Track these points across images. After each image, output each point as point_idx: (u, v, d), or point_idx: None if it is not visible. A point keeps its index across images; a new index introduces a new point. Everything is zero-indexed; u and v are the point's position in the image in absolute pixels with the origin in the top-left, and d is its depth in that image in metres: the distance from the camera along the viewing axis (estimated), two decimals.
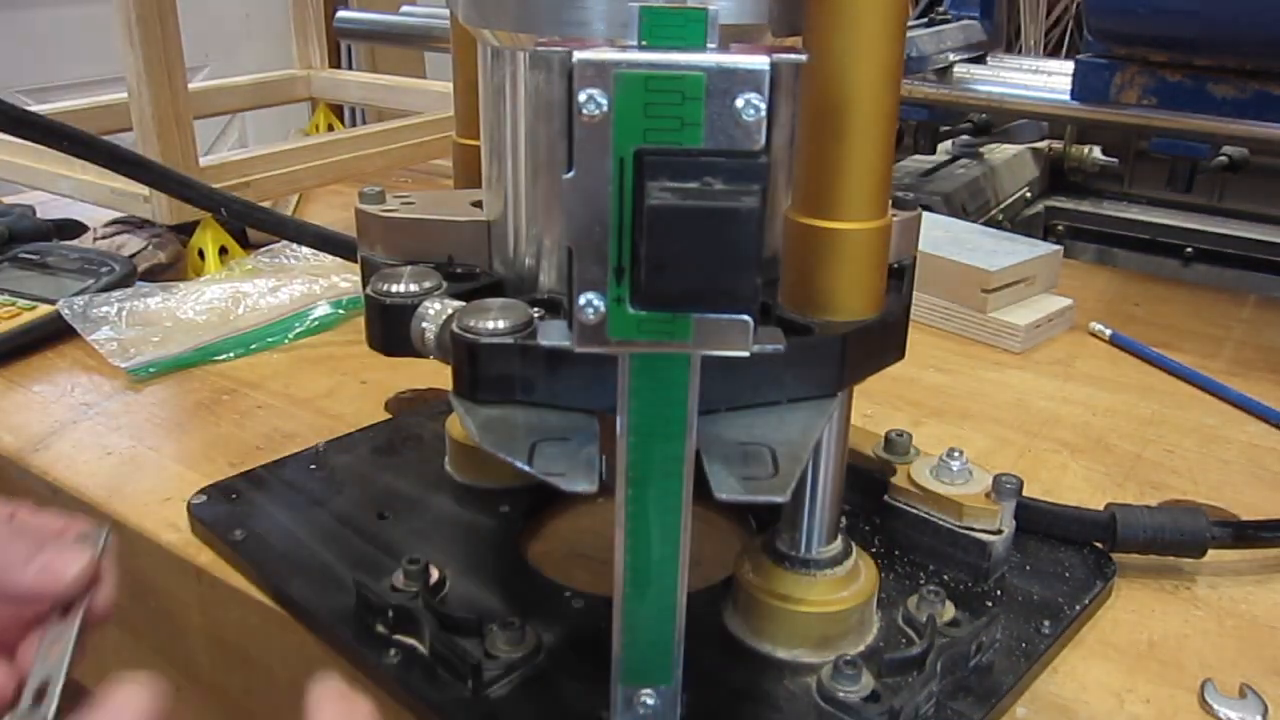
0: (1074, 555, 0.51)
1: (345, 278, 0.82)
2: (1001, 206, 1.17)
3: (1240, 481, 0.60)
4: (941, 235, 0.83)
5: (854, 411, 0.44)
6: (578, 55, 0.28)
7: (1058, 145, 1.25)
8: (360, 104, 1.48)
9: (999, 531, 0.48)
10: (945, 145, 1.22)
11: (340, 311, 0.79)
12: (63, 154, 0.73)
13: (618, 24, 0.34)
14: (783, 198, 0.40)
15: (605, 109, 0.28)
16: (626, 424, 0.33)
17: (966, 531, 0.48)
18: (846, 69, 0.35)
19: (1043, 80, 1.01)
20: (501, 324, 0.35)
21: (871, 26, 0.34)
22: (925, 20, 1.09)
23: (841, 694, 0.40)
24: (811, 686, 0.41)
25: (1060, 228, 1.23)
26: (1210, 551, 0.51)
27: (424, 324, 0.37)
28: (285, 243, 0.88)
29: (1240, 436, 0.66)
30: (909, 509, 0.50)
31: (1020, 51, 1.46)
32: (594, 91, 0.28)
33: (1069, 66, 0.94)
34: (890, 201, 0.39)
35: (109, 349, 0.71)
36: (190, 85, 0.85)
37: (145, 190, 0.82)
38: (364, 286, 0.40)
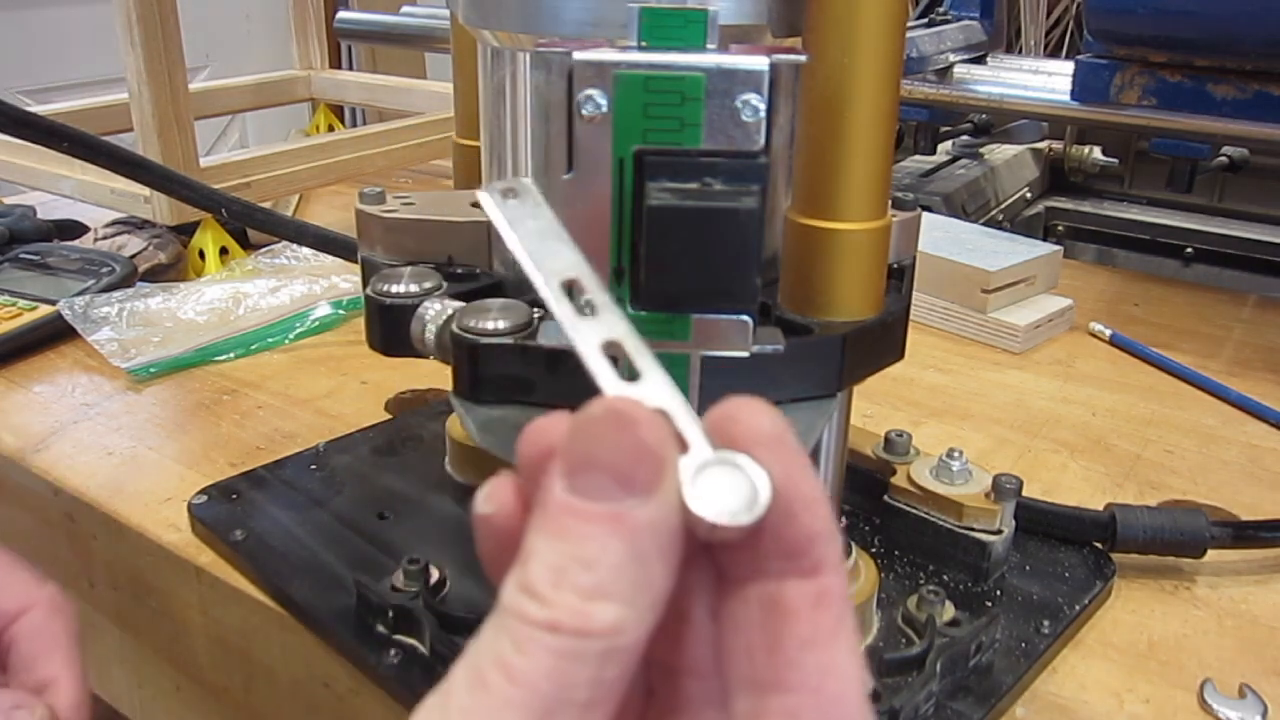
0: (1074, 555, 0.51)
1: (346, 278, 0.82)
2: (1002, 207, 1.17)
3: (1240, 481, 0.60)
4: (941, 235, 0.83)
5: (854, 411, 0.44)
6: (577, 55, 0.28)
7: (1058, 146, 1.25)
8: (361, 104, 1.48)
9: (999, 531, 0.48)
10: (945, 146, 1.22)
11: (341, 312, 0.79)
12: (63, 155, 0.73)
13: (617, 24, 0.34)
14: (783, 198, 0.40)
15: (605, 109, 0.28)
16: None
17: (966, 532, 0.48)
18: (846, 69, 0.35)
19: (1043, 81, 1.01)
20: (501, 324, 0.35)
21: (871, 27, 0.34)
22: (925, 21, 1.09)
23: None
24: None
25: (1060, 228, 1.23)
26: (1210, 551, 0.51)
27: (424, 324, 0.37)
28: (286, 243, 0.88)
29: (1240, 437, 0.66)
30: (909, 509, 0.50)
31: (1020, 52, 1.46)
32: (594, 92, 0.28)
33: (1069, 67, 0.94)
34: (890, 202, 0.39)
35: (110, 349, 0.71)
36: (191, 86, 0.85)
37: (146, 191, 0.82)
38: (364, 287, 0.40)
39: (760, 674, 0.20)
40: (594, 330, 0.23)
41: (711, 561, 0.21)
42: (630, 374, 0.23)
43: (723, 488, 0.20)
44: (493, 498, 0.23)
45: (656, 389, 0.22)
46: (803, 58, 0.30)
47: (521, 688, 0.18)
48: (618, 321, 0.23)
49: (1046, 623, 0.46)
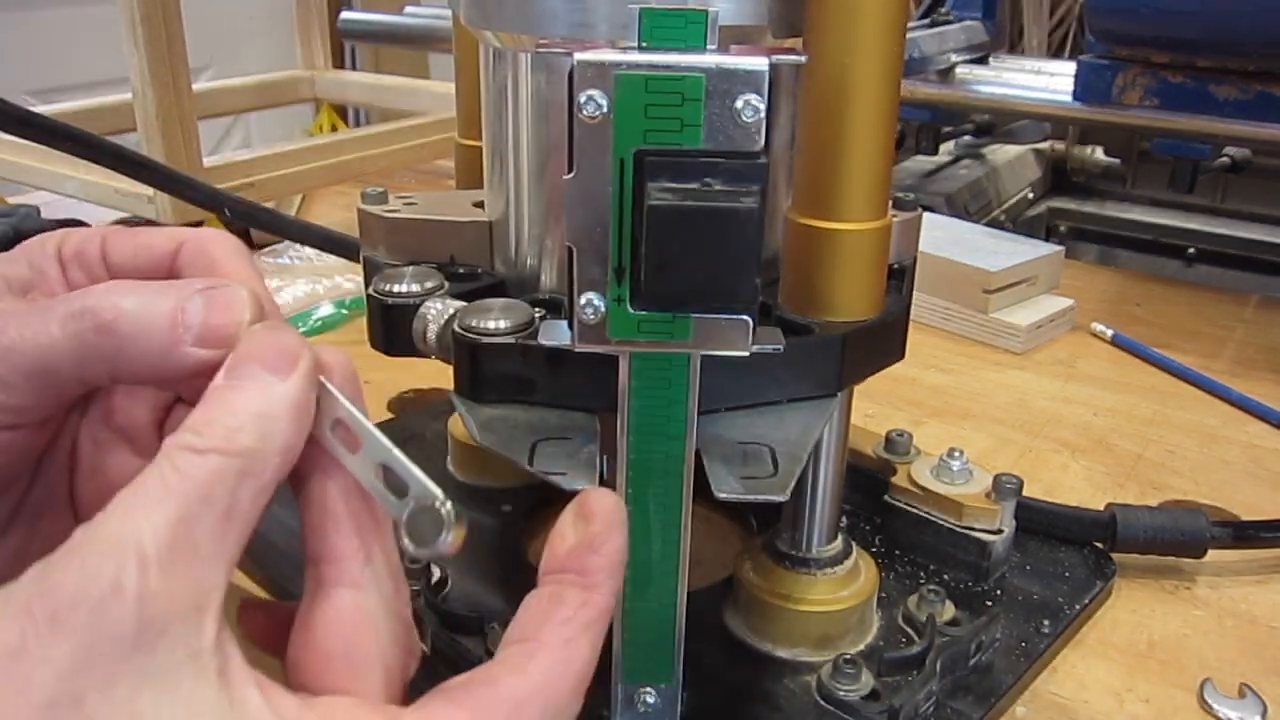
0: (1074, 555, 0.51)
1: (348, 278, 0.82)
2: (1004, 207, 1.17)
3: (1241, 481, 0.61)
4: (943, 236, 0.83)
5: (855, 411, 0.44)
6: (578, 56, 0.28)
7: (1060, 146, 1.25)
8: (364, 105, 1.48)
9: (999, 531, 0.48)
10: (948, 146, 1.22)
11: (343, 312, 0.79)
12: (67, 154, 0.73)
13: (619, 25, 0.34)
14: (783, 198, 0.40)
15: (605, 110, 0.28)
16: (627, 424, 0.33)
17: (967, 531, 0.48)
18: (846, 70, 0.35)
19: (1045, 81, 1.01)
20: (503, 324, 0.35)
21: (871, 27, 0.35)
22: (927, 21, 1.09)
23: (841, 693, 0.40)
24: (811, 685, 0.41)
25: (1062, 228, 1.23)
26: (1210, 551, 0.51)
27: (426, 324, 0.37)
28: (289, 243, 0.88)
29: (1241, 437, 0.66)
30: (909, 509, 0.50)
31: (1023, 52, 1.46)
32: (594, 92, 0.28)
33: (1071, 67, 0.94)
34: (890, 202, 0.39)
35: None
36: (194, 86, 0.85)
37: (149, 191, 0.82)
38: (366, 287, 0.40)
39: (515, 635, 0.27)
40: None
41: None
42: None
43: (427, 524, 0.27)
44: None
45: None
46: (802, 58, 0.30)
47: (173, 492, 0.23)
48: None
49: (1047, 622, 0.46)
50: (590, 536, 0.28)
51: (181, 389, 0.31)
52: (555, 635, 0.27)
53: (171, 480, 0.23)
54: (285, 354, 0.26)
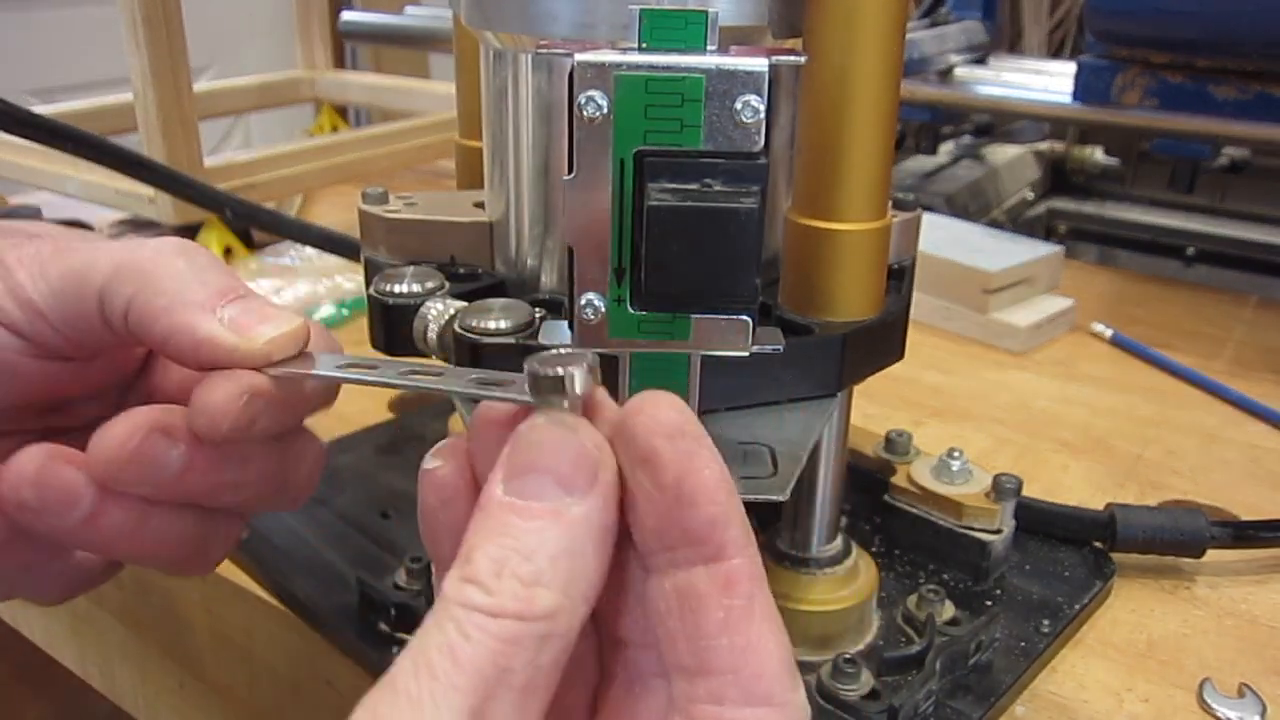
0: (1073, 555, 0.51)
1: (349, 278, 0.82)
2: (1003, 207, 1.17)
3: (1240, 482, 0.61)
4: (943, 236, 0.83)
5: (855, 411, 0.44)
6: (578, 57, 0.28)
7: (1059, 146, 1.25)
8: (364, 105, 1.48)
9: (999, 531, 0.48)
10: (947, 146, 1.22)
11: (344, 312, 0.79)
12: (68, 155, 0.74)
13: (619, 26, 0.34)
14: (783, 198, 0.40)
15: (606, 110, 0.28)
16: None
17: (966, 531, 0.48)
18: (846, 70, 0.35)
19: (1044, 82, 1.01)
20: (503, 324, 0.35)
21: (871, 28, 0.35)
22: (927, 21, 1.09)
23: (841, 692, 0.41)
24: (811, 685, 0.41)
25: (1062, 228, 1.23)
26: (1210, 551, 0.51)
27: (426, 324, 0.37)
28: (290, 243, 0.89)
29: (1241, 437, 0.66)
30: (909, 509, 0.50)
31: (1022, 53, 1.46)
32: (594, 93, 0.28)
33: (1071, 68, 0.94)
34: (890, 202, 0.39)
35: None
36: (195, 86, 0.85)
37: (150, 191, 0.82)
38: (367, 287, 0.40)
39: (684, 659, 0.21)
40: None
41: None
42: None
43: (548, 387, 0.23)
44: (441, 453, 0.25)
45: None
46: (802, 59, 0.30)
47: (466, 672, 0.19)
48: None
49: (1046, 622, 0.46)
50: (672, 495, 0.21)
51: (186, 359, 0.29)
52: (719, 651, 0.21)
53: (462, 656, 0.19)
54: (584, 463, 0.21)
